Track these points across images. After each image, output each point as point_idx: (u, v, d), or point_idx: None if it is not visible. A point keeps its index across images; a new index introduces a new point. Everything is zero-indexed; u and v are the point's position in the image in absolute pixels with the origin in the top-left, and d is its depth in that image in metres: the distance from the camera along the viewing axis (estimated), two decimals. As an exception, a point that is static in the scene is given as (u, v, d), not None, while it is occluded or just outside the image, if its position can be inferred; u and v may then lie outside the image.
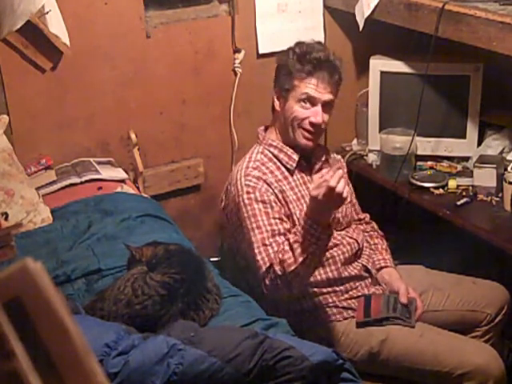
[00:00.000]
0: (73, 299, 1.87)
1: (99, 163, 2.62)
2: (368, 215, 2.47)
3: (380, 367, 2.11)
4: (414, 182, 2.67)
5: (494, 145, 2.66)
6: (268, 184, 2.11)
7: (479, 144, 2.73)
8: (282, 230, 2.06)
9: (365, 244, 2.33)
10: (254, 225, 2.07)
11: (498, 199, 2.51)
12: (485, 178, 2.53)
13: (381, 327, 2.12)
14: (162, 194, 2.82)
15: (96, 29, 2.57)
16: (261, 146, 2.23)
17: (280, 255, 1.98)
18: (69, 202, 2.38)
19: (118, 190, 2.48)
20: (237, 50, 2.85)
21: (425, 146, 2.80)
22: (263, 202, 2.08)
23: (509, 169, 2.46)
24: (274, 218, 2.07)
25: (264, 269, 2.01)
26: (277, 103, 2.22)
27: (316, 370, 1.52)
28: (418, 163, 2.80)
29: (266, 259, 2.02)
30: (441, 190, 2.64)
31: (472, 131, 2.74)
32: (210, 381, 1.48)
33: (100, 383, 0.57)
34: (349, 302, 2.20)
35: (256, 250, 2.05)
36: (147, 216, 2.32)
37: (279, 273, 1.97)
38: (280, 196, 2.12)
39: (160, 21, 2.71)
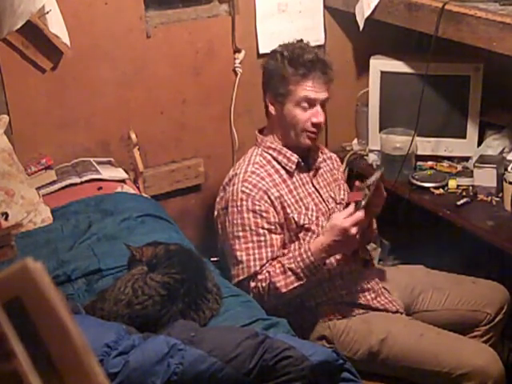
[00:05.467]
0: (73, 299, 1.87)
1: (99, 163, 2.62)
2: None
3: (380, 366, 2.11)
4: (414, 181, 2.67)
5: (494, 145, 2.66)
6: (264, 191, 2.12)
7: (479, 144, 2.73)
8: (268, 242, 2.10)
9: None
10: (241, 233, 2.10)
11: (498, 199, 2.51)
12: (485, 177, 2.53)
13: (381, 326, 2.12)
14: (162, 193, 2.82)
15: (96, 29, 2.57)
16: (259, 148, 2.23)
17: (267, 275, 2.06)
18: (69, 202, 2.38)
19: (118, 189, 2.48)
20: (237, 50, 2.85)
21: (425, 145, 2.80)
22: (254, 211, 2.10)
23: (509, 169, 2.46)
24: (263, 228, 2.10)
25: (241, 278, 2.10)
26: (272, 108, 2.21)
27: (316, 370, 1.52)
28: (418, 163, 2.80)
29: (246, 270, 2.09)
30: (441, 190, 2.64)
31: (472, 131, 2.74)
32: (211, 381, 1.48)
33: (100, 383, 0.57)
34: (349, 298, 2.20)
35: (238, 259, 2.10)
36: (147, 216, 2.31)
37: (257, 289, 2.07)
38: (276, 202, 2.13)
39: (160, 21, 2.71)
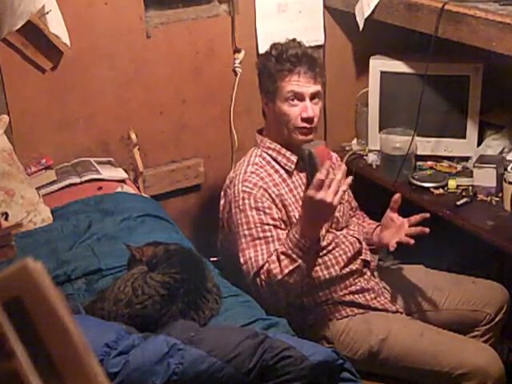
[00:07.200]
0: (73, 299, 1.87)
1: (99, 163, 2.62)
2: (357, 203, 2.48)
3: (380, 366, 2.11)
4: (414, 182, 2.67)
5: (493, 145, 2.66)
6: (265, 189, 2.11)
7: (479, 144, 2.73)
8: (275, 237, 2.07)
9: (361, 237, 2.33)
10: (247, 232, 2.07)
11: (498, 199, 2.51)
12: (485, 178, 2.53)
13: (381, 326, 2.13)
14: (162, 193, 2.83)
15: (96, 29, 2.57)
16: (259, 148, 2.23)
17: (267, 265, 2.01)
18: (69, 201, 2.38)
19: (118, 189, 2.49)
20: (237, 50, 2.85)
21: (425, 145, 2.80)
22: (257, 208, 2.08)
23: (509, 169, 2.46)
24: (268, 225, 2.07)
25: (252, 274, 2.04)
26: (266, 108, 2.22)
27: (316, 370, 1.52)
28: (418, 163, 2.81)
29: (254, 265, 2.04)
30: (441, 190, 2.64)
31: (472, 131, 2.74)
32: (210, 381, 1.48)
33: (100, 383, 0.57)
34: (349, 298, 2.20)
35: (247, 256, 2.06)
36: (147, 216, 2.32)
37: (264, 282, 2.01)
38: (277, 200, 2.11)
39: (160, 21, 2.71)
